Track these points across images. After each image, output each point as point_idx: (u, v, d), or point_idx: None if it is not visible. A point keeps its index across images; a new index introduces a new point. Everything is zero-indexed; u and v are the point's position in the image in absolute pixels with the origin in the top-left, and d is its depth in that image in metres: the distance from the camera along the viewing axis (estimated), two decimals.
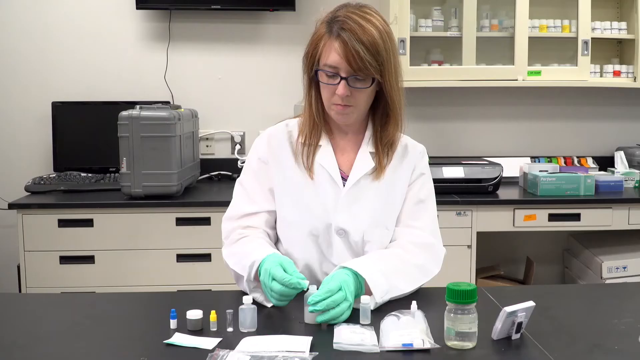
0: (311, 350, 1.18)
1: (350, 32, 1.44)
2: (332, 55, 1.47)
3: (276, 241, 1.64)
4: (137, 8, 3.24)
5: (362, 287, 1.41)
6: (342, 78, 1.47)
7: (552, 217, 2.96)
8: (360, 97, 1.51)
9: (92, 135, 3.23)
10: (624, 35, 3.35)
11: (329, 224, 1.56)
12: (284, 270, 1.36)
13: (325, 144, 1.60)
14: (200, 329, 1.29)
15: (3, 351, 1.21)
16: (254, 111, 3.44)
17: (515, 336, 1.23)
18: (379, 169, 1.59)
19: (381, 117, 1.59)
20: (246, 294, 1.40)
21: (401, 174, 1.62)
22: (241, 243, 1.54)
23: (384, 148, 1.59)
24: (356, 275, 1.40)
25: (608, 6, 3.41)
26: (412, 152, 1.65)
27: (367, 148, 1.61)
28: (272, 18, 3.40)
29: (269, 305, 1.42)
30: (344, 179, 1.59)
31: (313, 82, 1.56)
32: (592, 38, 3.21)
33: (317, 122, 1.59)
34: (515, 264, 3.54)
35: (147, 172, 2.78)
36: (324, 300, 1.30)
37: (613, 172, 3.25)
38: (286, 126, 1.66)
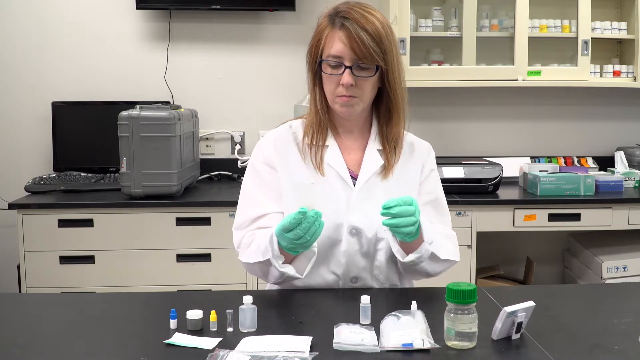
0: (311, 350, 1.18)
1: (353, 21, 1.47)
2: (336, 44, 1.49)
3: None
4: (137, 8, 3.23)
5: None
6: (346, 67, 1.49)
7: (552, 217, 2.96)
8: (364, 86, 1.52)
9: (92, 135, 3.23)
10: (624, 35, 3.35)
11: (339, 223, 1.55)
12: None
13: (331, 144, 1.61)
14: (200, 329, 1.29)
15: (3, 351, 1.21)
16: (254, 111, 3.44)
17: (515, 336, 1.24)
18: (387, 167, 1.60)
19: (384, 114, 1.60)
20: (247, 293, 1.40)
21: (410, 171, 1.63)
22: (254, 241, 1.55)
23: (390, 146, 1.60)
24: None
25: (608, 6, 3.41)
26: (418, 149, 1.66)
27: (374, 145, 1.61)
28: (272, 18, 3.40)
29: (301, 276, 1.47)
30: (353, 178, 1.60)
31: (317, 78, 1.57)
32: (592, 38, 3.21)
33: (323, 120, 1.59)
34: (515, 264, 3.54)
35: (147, 172, 2.78)
36: (397, 206, 1.38)
37: (613, 172, 3.25)
38: (290, 127, 1.65)
